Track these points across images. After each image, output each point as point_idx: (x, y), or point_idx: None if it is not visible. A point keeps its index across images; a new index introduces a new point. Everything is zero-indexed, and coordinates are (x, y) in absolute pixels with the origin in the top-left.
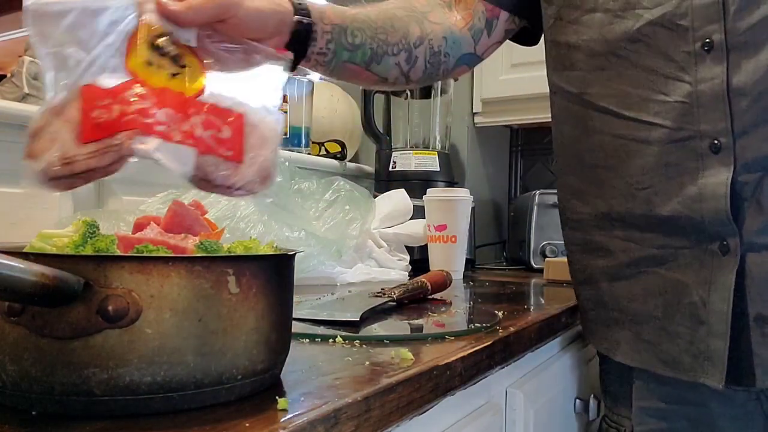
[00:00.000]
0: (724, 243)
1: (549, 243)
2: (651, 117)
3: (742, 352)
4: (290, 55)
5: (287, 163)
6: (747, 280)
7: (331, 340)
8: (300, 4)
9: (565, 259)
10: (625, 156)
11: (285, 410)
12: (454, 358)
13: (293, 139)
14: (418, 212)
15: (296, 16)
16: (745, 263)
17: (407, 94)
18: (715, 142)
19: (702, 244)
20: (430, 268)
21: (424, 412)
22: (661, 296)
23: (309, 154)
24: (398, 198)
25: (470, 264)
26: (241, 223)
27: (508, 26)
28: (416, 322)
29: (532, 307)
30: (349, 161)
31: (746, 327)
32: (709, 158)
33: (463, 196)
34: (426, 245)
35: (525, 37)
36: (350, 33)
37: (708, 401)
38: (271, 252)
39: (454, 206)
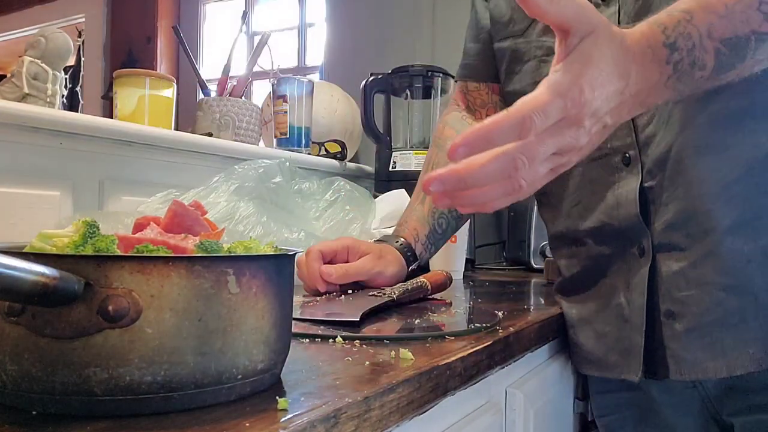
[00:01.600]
0: (641, 245)
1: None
2: None
3: (657, 346)
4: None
5: (287, 163)
6: (658, 278)
7: (331, 340)
8: (409, 253)
9: None
10: (561, 179)
11: (285, 410)
12: (454, 358)
13: (293, 139)
14: None
15: (410, 266)
16: (656, 262)
17: (407, 93)
18: (626, 155)
19: (625, 249)
20: (430, 268)
21: (424, 412)
22: (597, 301)
23: (309, 154)
24: (398, 198)
25: (470, 264)
26: (240, 225)
27: None
28: (416, 322)
29: (532, 307)
30: (349, 161)
31: (658, 322)
32: (622, 170)
33: None
34: None
35: None
36: (438, 226)
37: (650, 390)
38: (271, 252)
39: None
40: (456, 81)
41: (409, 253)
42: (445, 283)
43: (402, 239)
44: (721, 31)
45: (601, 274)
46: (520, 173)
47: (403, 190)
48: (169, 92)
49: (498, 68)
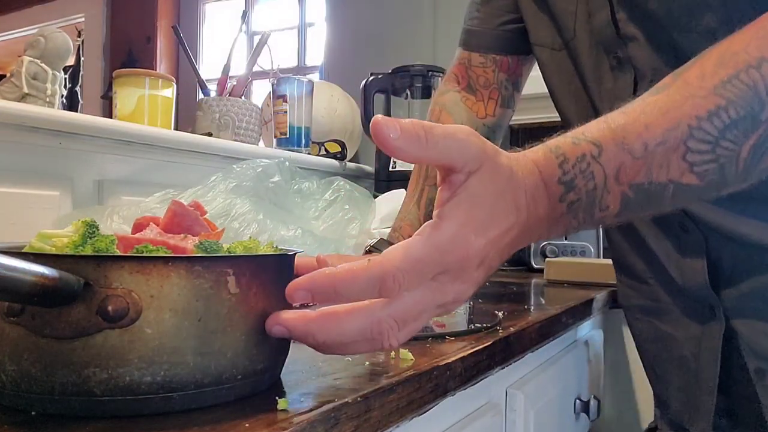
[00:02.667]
0: (711, 307)
1: (549, 243)
2: None
3: (750, 402)
4: None
5: (287, 163)
6: (739, 339)
7: None
8: None
9: (565, 259)
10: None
11: (285, 410)
12: (454, 359)
13: (293, 139)
14: None
15: None
16: (731, 324)
17: (407, 93)
18: (683, 224)
19: (689, 306)
20: None
21: (424, 412)
22: (654, 344)
23: (309, 154)
24: (398, 198)
25: None
26: (235, 223)
27: (527, 68)
28: None
29: (532, 308)
30: (349, 161)
31: (749, 379)
32: (683, 237)
33: None
34: None
35: None
36: None
37: None
38: (271, 252)
39: None
40: (459, 46)
41: None
42: None
43: None
44: (633, 174)
45: (655, 318)
46: (386, 337)
47: (403, 190)
48: (169, 92)
49: (518, 47)
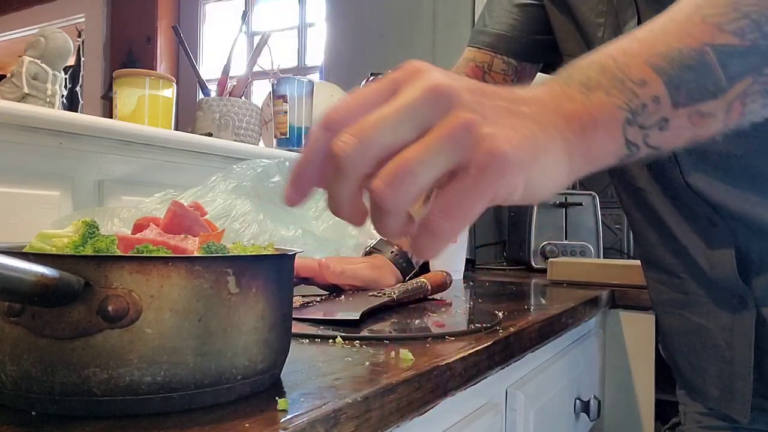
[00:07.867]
0: (742, 299)
1: (549, 243)
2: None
3: None
4: None
5: (287, 163)
6: (764, 327)
7: (331, 340)
8: (403, 261)
9: (567, 259)
10: (652, 214)
11: (285, 410)
12: (454, 359)
13: (293, 139)
14: None
15: (407, 274)
16: (761, 313)
17: None
18: (710, 218)
19: (720, 297)
20: (430, 268)
21: (424, 412)
22: (687, 336)
23: None
24: None
25: (470, 264)
26: (236, 223)
27: (530, 82)
28: (416, 322)
29: (532, 308)
30: None
31: None
32: (712, 231)
33: None
34: None
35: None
36: None
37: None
38: (271, 252)
39: None
40: (478, 48)
41: (403, 262)
42: (445, 283)
43: (395, 248)
44: (648, 46)
45: (686, 310)
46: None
47: None
48: (169, 92)
49: (545, 57)
